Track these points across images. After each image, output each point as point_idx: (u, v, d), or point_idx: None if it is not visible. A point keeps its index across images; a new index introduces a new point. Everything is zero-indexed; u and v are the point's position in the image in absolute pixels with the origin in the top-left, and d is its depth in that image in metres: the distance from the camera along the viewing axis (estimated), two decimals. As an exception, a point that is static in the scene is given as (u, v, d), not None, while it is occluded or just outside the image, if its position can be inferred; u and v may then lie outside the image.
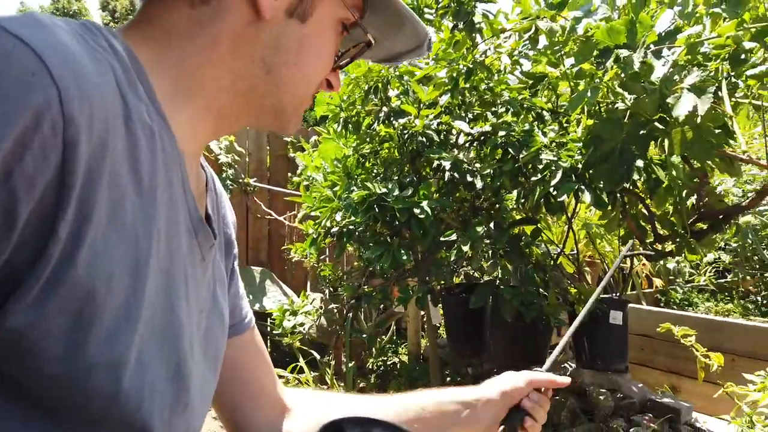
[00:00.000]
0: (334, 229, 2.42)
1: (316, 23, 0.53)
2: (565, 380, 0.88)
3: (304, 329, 2.62)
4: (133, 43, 0.47)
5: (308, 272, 3.89)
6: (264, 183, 4.36)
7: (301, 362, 2.35)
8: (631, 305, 3.09)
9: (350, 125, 2.48)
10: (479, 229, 2.15)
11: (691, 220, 1.85)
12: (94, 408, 0.41)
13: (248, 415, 0.72)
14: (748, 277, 3.86)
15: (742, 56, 1.71)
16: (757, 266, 3.84)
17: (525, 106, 2.34)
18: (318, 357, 2.56)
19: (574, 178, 1.86)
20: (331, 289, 2.87)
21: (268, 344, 4.02)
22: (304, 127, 5.04)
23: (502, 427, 0.86)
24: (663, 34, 1.95)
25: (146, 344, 0.44)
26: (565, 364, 2.58)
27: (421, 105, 2.42)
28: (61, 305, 0.38)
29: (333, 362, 2.78)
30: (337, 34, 0.56)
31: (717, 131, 1.68)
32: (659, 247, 1.99)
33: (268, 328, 2.96)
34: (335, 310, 3.04)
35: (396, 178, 2.49)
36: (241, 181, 4.18)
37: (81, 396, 0.41)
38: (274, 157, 4.52)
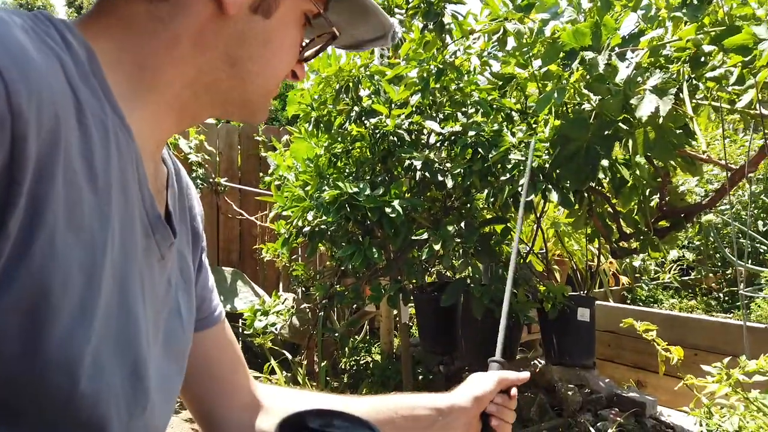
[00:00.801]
0: (306, 229, 2.41)
1: (281, 17, 0.53)
2: (525, 374, 0.88)
3: (276, 329, 2.60)
4: (91, 36, 0.46)
5: (280, 272, 3.87)
6: (235, 183, 4.33)
7: (273, 363, 2.34)
8: (598, 302, 3.15)
9: (322, 125, 2.47)
10: (450, 228, 2.17)
11: (654, 218, 1.90)
12: (51, 408, 0.41)
13: (219, 409, 0.71)
14: (711, 275, 3.98)
15: (702, 59, 1.76)
16: (719, 264, 3.97)
17: (494, 106, 2.37)
18: (290, 357, 2.55)
19: (541, 177, 1.89)
20: (303, 288, 2.87)
21: (240, 345, 3.99)
22: (276, 127, 5.02)
23: None
24: (627, 36, 2.00)
25: (103, 345, 0.43)
26: (535, 361, 2.62)
27: (393, 105, 2.43)
28: (16, 303, 0.38)
29: (305, 362, 2.78)
30: (301, 26, 0.57)
31: (678, 132, 1.73)
32: (625, 245, 2.04)
33: (240, 329, 2.93)
34: (308, 310, 3.04)
35: (368, 177, 2.50)
36: (211, 180, 4.13)
37: (37, 396, 0.40)
38: (246, 156, 4.49)
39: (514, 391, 0.86)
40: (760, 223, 3.85)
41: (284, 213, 2.52)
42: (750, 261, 3.81)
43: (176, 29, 0.49)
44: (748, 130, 1.96)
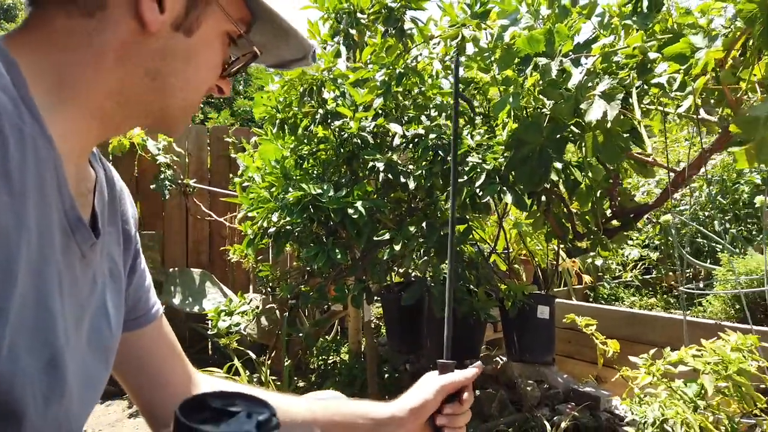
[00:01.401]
0: (271, 230, 2.44)
1: (202, 36, 0.56)
2: (472, 371, 0.89)
3: (242, 329, 2.62)
4: (16, 49, 0.49)
5: (250, 273, 3.87)
6: (205, 184, 4.32)
7: (237, 363, 2.36)
8: (560, 300, 3.23)
9: (287, 127, 2.50)
10: (412, 228, 2.22)
11: (605, 219, 1.97)
12: None
13: (157, 403, 0.74)
14: (671, 273, 4.11)
15: (648, 66, 1.84)
16: (678, 262, 4.09)
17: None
18: (254, 357, 2.57)
19: (497, 179, 1.95)
20: (269, 289, 2.88)
21: (209, 346, 3.98)
22: (246, 128, 5.01)
23: None
24: (581, 43, 2.08)
25: (18, 336, 0.46)
26: (497, 358, 2.68)
27: (358, 108, 2.47)
28: None
29: (271, 362, 2.80)
30: (225, 44, 0.60)
31: (626, 135, 1.81)
32: (579, 244, 2.11)
33: (208, 331, 2.94)
34: (276, 311, 3.06)
35: (334, 179, 2.53)
36: (180, 182, 4.12)
37: None
38: (216, 157, 4.48)
39: (465, 395, 0.87)
40: (716, 222, 3.99)
41: (250, 214, 2.54)
42: (708, 260, 3.94)
43: (101, 44, 0.52)
44: (692, 139, 2.05)
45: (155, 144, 4.00)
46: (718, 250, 3.74)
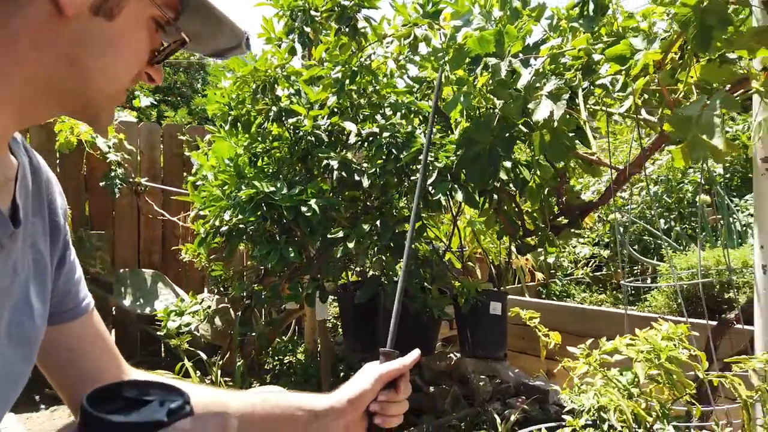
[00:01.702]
0: (224, 228, 2.40)
1: (125, 20, 0.55)
2: (410, 359, 0.89)
3: (194, 330, 2.57)
4: None
5: (205, 273, 3.81)
6: (158, 183, 4.21)
7: (187, 364, 2.31)
8: (514, 297, 3.29)
9: (240, 124, 2.47)
10: (365, 226, 2.22)
11: (553, 216, 2.02)
12: None
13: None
14: (619, 270, 4.24)
15: (593, 67, 1.89)
16: (627, 259, 4.23)
17: (412, 109, 2.44)
18: (205, 357, 2.53)
19: (449, 177, 1.98)
20: (222, 289, 2.84)
21: (162, 348, 3.89)
22: (201, 126, 4.92)
23: None
24: (530, 45, 2.12)
25: None
26: (450, 354, 2.71)
27: (312, 105, 2.46)
28: None
29: (224, 363, 2.76)
30: (152, 30, 0.58)
31: (571, 135, 1.86)
32: (528, 241, 2.16)
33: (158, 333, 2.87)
34: (229, 311, 3.01)
35: (289, 177, 2.51)
36: (131, 180, 4.01)
37: None
38: (169, 156, 4.38)
39: (404, 385, 0.86)
40: (662, 221, 4.14)
41: (202, 212, 2.50)
42: (654, 257, 4.09)
43: (14, 27, 0.50)
44: (633, 139, 2.12)
45: (105, 141, 3.88)
46: (664, 247, 3.88)
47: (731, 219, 3.32)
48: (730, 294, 2.71)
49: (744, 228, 3.42)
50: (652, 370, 0.96)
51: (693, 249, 3.38)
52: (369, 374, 0.85)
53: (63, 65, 0.53)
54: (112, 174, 3.87)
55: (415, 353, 0.90)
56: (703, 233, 3.63)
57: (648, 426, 0.94)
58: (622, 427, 0.93)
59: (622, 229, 3.80)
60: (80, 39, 0.53)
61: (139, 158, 4.19)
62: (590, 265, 4.53)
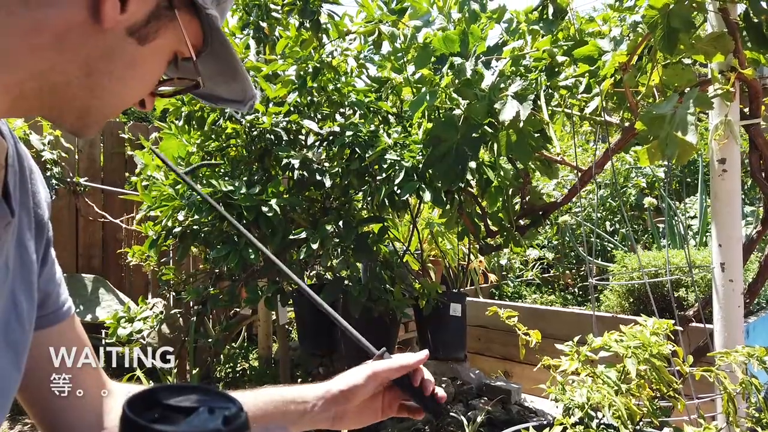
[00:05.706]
0: (177, 229, 2.29)
1: (154, 48, 0.52)
2: (416, 358, 0.83)
3: (144, 336, 2.43)
4: None
5: (149, 278, 3.63)
6: (97, 183, 4.00)
7: (139, 372, 2.18)
8: (469, 299, 3.31)
9: (194, 121, 2.37)
10: (328, 227, 2.17)
11: (516, 216, 2.04)
12: None
13: (63, 416, 0.65)
14: (567, 271, 4.37)
15: (556, 69, 1.93)
16: (574, 261, 4.36)
17: (372, 108, 2.41)
18: (158, 365, 2.40)
19: (415, 177, 1.96)
20: (174, 293, 2.71)
21: (102, 358, 3.68)
22: (144, 125, 4.72)
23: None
24: (492, 46, 2.14)
25: None
26: (411, 357, 2.69)
27: (270, 102, 2.38)
28: None
29: (176, 371, 2.63)
30: (168, 62, 0.55)
31: (536, 135, 1.88)
32: (491, 241, 2.17)
33: (102, 340, 2.71)
34: (179, 316, 2.88)
35: (245, 177, 2.42)
36: (69, 180, 3.78)
37: None
38: (109, 155, 4.17)
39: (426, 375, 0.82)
40: (607, 223, 4.29)
41: (152, 213, 2.37)
42: (600, 258, 4.22)
43: (40, 17, 0.45)
44: (597, 139, 2.18)
45: (40, 139, 3.65)
46: (609, 248, 4.02)
47: (673, 221, 3.48)
48: (679, 292, 2.82)
49: (686, 230, 3.58)
50: (640, 365, 0.96)
51: (638, 250, 3.51)
52: (362, 370, 0.80)
53: (79, 73, 0.49)
54: (48, 173, 3.64)
55: (423, 353, 0.85)
56: (649, 234, 3.78)
57: (637, 421, 0.95)
58: (617, 423, 0.92)
59: (570, 232, 3.91)
60: (107, 54, 0.49)
61: (77, 157, 3.97)
62: (537, 267, 4.64)
